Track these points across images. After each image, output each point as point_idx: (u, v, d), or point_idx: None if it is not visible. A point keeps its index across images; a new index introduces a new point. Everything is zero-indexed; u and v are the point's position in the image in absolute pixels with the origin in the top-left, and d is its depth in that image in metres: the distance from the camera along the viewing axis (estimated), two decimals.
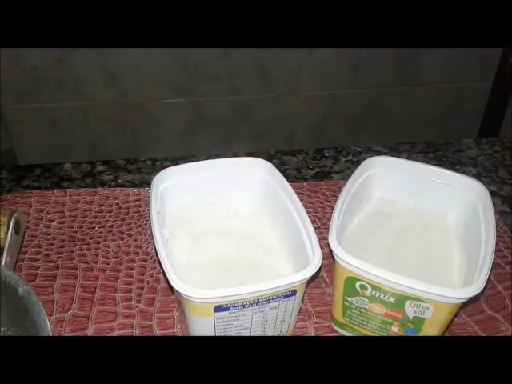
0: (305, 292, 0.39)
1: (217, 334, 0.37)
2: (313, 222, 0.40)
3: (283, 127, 0.95)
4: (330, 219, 0.40)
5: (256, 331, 0.38)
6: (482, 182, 0.44)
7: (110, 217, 0.53)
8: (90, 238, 0.50)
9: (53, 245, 0.50)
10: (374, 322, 0.39)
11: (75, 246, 0.49)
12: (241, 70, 0.87)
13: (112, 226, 0.52)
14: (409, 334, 0.38)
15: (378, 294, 0.37)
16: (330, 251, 0.38)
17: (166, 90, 0.87)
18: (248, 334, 0.38)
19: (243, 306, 0.35)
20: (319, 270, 0.35)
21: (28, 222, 0.52)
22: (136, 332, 0.42)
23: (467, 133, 0.95)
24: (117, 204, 0.55)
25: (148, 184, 0.57)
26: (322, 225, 0.52)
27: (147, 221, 0.52)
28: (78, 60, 0.82)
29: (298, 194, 0.42)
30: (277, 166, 0.45)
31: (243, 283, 0.34)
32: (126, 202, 0.55)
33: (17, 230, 0.45)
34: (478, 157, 0.64)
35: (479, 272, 0.36)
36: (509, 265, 0.48)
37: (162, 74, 0.85)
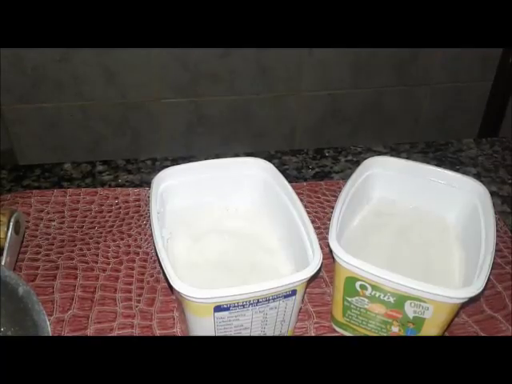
0: (305, 292, 0.39)
1: (217, 334, 0.37)
2: (313, 221, 0.40)
3: (283, 127, 0.95)
4: (330, 219, 0.40)
5: (256, 331, 0.38)
6: (482, 182, 0.44)
7: (109, 217, 0.53)
8: (90, 238, 0.50)
9: (53, 245, 0.50)
10: (374, 321, 0.39)
11: (75, 246, 0.49)
12: (241, 70, 0.87)
13: (112, 226, 0.52)
14: (409, 334, 0.38)
15: (377, 294, 0.37)
16: (330, 251, 0.38)
17: (166, 90, 0.87)
18: (248, 334, 0.38)
19: (243, 305, 0.35)
20: (319, 269, 0.35)
21: (28, 222, 0.52)
22: (136, 332, 0.42)
23: (467, 133, 0.95)
24: (117, 204, 0.55)
25: (148, 184, 0.57)
26: (322, 225, 0.52)
27: (147, 221, 0.52)
28: (77, 60, 0.82)
29: (298, 193, 0.42)
30: (277, 166, 0.45)
31: (243, 283, 0.34)
32: (126, 202, 0.55)
33: (17, 230, 0.45)
34: (477, 157, 0.64)
35: (479, 272, 0.36)
36: (509, 265, 0.48)
37: (162, 74, 0.85)
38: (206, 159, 0.46)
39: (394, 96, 0.95)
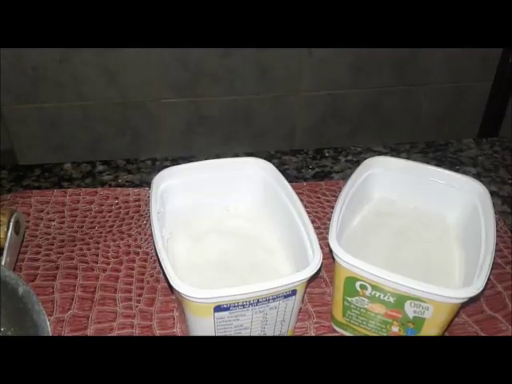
0: (305, 292, 0.39)
1: (217, 334, 0.37)
2: (313, 221, 0.40)
3: (283, 127, 0.95)
4: (330, 219, 0.40)
5: (256, 331, 0.38)
6: (481, 182, 0.44)
7: (109, 217, 0.53)
8: (90, 238, 0.50)
9: (53, 245, 0.50)
10: (374, 321, 0.39)
11: (75, 246, 0.49)
12: (241, 70, 0.87)
13: (112, 226, 0.52)
14: (409, 334, 0.38)
15: (377, 294, 0.37)
16: (330, 251, 0.38)
17: (166, 90, 0.87)
18: (248, 334, 0.38)
19: (243, 305, 0.35)
20: (319, 269, 0.35)
21: (28, 222, 0.52)
22: (136, 332, 0.42)
23: (467, 133, 0.95)
24: (117, 204, 0.55)
25: (148, 184, 0.57)
26: (321, 225, 0.52)
27: (147, 221, 0.52)
28: (77, 60, 0.82)
29: (298, 193, 0.42)
30: (277, 166, 0.45)
31: (243, 283, 0.34)
32: (126, 202, 0.55)
33: (17, 230, 0.45)
34: (477, 157, 0.64)
35: (479, 272, 0.36)
36: (509, 265, 0.48)
37: (162, 74, 0.85)
38: (206, 159, 0.46)
39: (393, 96, 0.95)
